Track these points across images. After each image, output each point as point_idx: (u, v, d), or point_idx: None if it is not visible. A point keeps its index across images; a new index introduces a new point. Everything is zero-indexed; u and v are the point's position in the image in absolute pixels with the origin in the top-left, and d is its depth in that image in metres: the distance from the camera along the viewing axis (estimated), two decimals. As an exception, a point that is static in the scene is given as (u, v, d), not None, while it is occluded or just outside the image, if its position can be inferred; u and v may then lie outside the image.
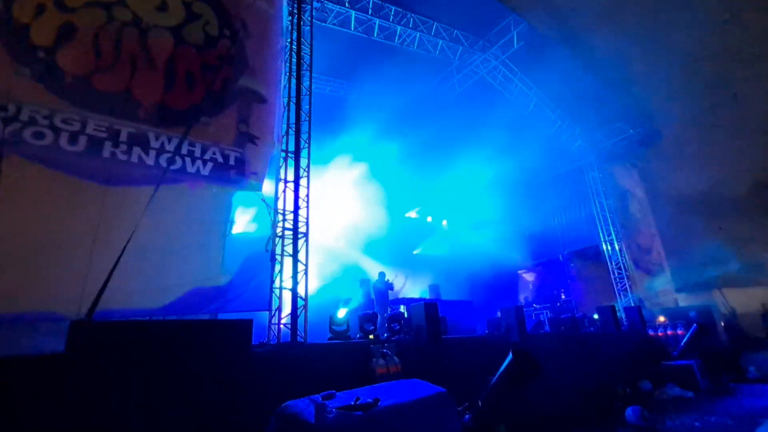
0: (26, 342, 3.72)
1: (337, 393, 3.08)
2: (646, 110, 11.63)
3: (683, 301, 11.03)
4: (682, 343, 8.47)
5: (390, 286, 9.75)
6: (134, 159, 4.90)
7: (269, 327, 5.33)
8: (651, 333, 9.19)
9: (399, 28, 10.23)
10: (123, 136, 4.91)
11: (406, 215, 16.15)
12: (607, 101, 11.71)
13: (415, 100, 13.54)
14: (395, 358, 4.68)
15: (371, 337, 5.36)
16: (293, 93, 6.64)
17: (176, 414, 2.87)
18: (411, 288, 11.84)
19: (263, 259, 5.64)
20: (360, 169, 13.15)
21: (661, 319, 9.80)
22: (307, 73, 7.02)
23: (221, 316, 5.18)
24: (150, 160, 5.01)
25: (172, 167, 5.13)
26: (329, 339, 5.35)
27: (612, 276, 12.35)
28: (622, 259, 12.45)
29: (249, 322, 3.45)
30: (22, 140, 4.27)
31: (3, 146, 4.14)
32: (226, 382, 3.14)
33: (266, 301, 5.45)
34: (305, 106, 6.71)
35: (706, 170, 10.92)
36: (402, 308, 7.16)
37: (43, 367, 2.74)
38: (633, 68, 10.42)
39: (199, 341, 3.17)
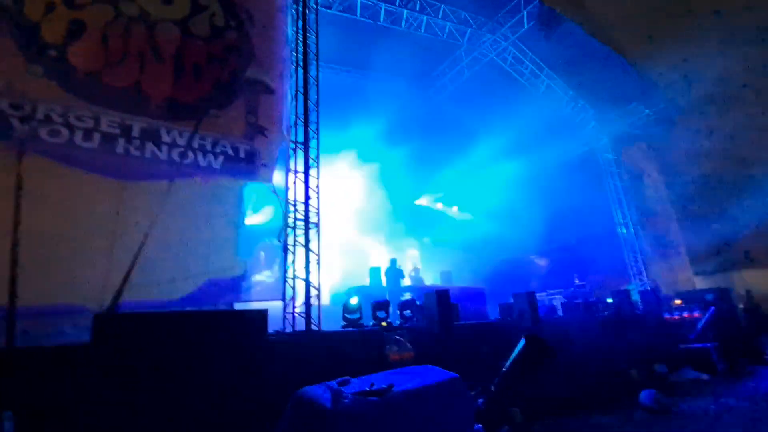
0: (53, 333, 3.88)
1: (352, 379, 3.15)
2: (662, 89, 11.23)
3: (701, 283, 10.82)
4: (699, 327, 8.35)
5: (401, 273, 9.80)
6: (147, 154, 4.98)
7: (284, 316, 5.44)
8: (667, 316, 9.08)
9: (405, 12, 10.04)
10: (135, 132, 4.98)
11: (416, 202, 16.10)
12: (621, 81, 11.34)
13: (423, 85, 13.34)
14: (408, 344, 4.74)
15: (384, 324, 5.42)
16: (300, 83, 6.59)
17: (197, 400, 2.98)
18: (423, 275, 11.87)
19: (276, 250, 5.72)
20: (370, 157, 13.10)
21: (678, 302, 9.65)
22: (314, 62, 6.96)
23: (237, 306, 5.31)
24: (163, 155, 5.08)
25: (184, 161, 5.20)
26: (343, 327, 5.43)
27: (627, 259, 12.17)
28: (638, 242, 12.24)
29: (264, 312, 3.53)
30: (39, 138, 4.38)
31: (22, 145, 4.25)
32: (244, 370, 3.24)
33: (280, 291, 5.55)
34: (313, 96, 6.67)
35: (724, 148, 10.56)
36: (408, 295, 7.20)
37: (70, 356, 2.87)
38: (647, 47, 10.04)
39: (218, 330, 3.27)
